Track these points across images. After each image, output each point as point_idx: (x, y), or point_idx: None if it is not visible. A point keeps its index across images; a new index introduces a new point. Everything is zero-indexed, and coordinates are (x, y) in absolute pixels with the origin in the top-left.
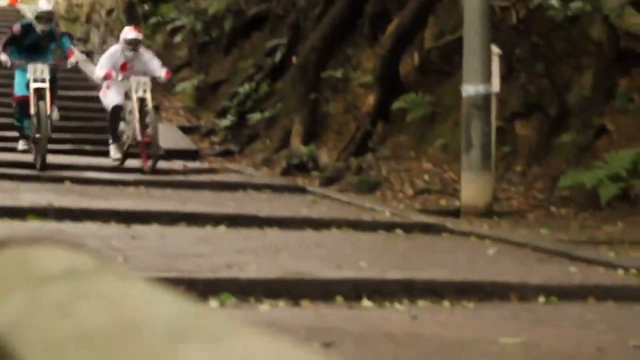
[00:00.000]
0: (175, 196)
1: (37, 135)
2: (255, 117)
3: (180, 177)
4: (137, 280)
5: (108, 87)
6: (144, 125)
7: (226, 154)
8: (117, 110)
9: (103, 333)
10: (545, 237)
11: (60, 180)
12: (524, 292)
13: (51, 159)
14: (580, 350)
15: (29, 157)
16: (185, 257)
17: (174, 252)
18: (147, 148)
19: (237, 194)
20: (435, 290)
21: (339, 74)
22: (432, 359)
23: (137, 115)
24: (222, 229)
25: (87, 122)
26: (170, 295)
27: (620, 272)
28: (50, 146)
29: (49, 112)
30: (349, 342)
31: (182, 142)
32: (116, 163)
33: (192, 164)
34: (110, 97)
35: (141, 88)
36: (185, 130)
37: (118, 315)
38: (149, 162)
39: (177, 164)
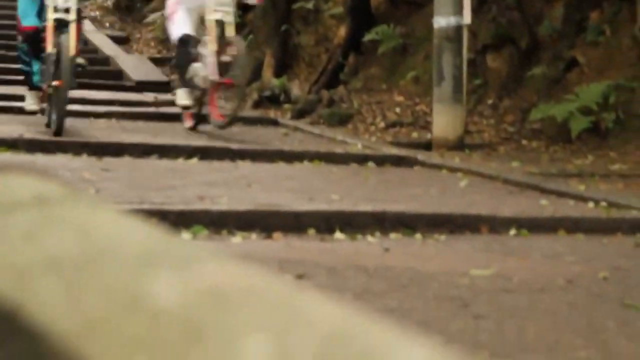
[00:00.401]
0: (147, 128)
1: (54, 84)
2: None
3: (152, 109)
4: (106, 208)
5: (175, 12)
6: (222, 60)
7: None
8: (186, 41)
9: (71, 259)
10: (516, 169)
11: (32, 112)
12: (495, 225)
13: (22, 91)
14: (550, 282)
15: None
16: (157, 190)
17: (146, 184)
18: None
19: (208, 126)
20: (407, 223)
21: (310, 5)
22: (403, 291)
23: (214, 45)
24: (194, 161)
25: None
26: (139, 224)
27: (590, 204)
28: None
29: (73, 51)
30: (321, 274)
31: (153, 73)
32: (187, 124)
33: (163, 96)
34: (176, 25)
35: (221, 8)
36: (156, 61)
37: (87, 242)
38: (228, 110)
39: (149, 96)
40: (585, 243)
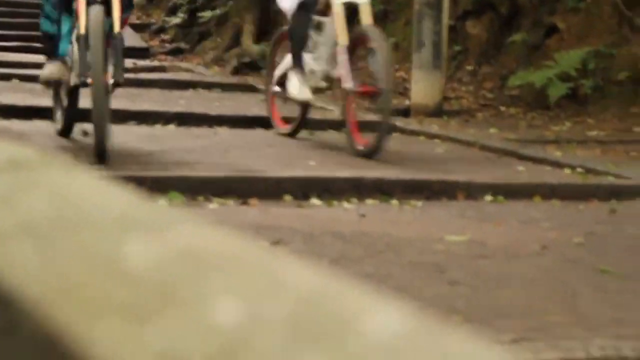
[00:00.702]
0: (125, 94)
1: (89, 81)
2: (206, 14)
3: (130, 75)
4: (82, 173)
5: None
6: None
7: (177, 52)
8: (306, 11)
9: (46, 223)
10: (494, 136)
11: (8, 77)
12: (472, 191)
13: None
14: (524, 247)
15: None
16: (134, 156)
17: (123, 150)
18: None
19: (187, 92)
20: (383, 189)
21: None
22: (379, 256)
23: (345, 38)
24: (172, 127)
25: (36, 19)
26: (115, 188)
27: (567, 170)
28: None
29: (118, 28)
30: (297, 240)
31: (132, 39)
32: (281, 128)
33: (142, 62)
34: None
35: None
36: (135, 27)
37: (62, 206)
38: (371, 135)
39: (127, 62)
40: (561, 209)
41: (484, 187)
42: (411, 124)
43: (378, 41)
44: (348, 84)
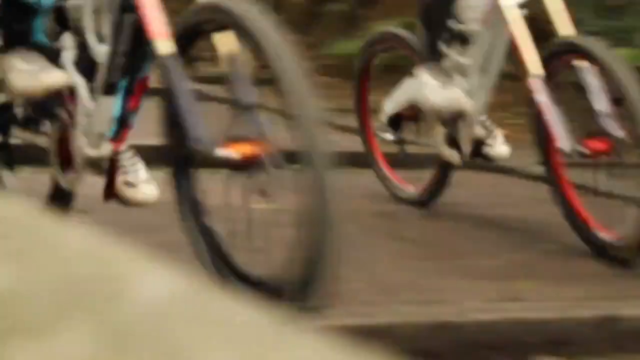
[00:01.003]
0: None
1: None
2: None
3: None
4: None
5: None
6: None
7: None
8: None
9: None
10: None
11: None
12: (281, 160)
13: None
14: None
15: None
16: None
17: None
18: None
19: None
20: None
21: None
22: (180, 225)
23: (537, 61)
24: None
25: None
26: None
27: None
28: None
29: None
30: (102, 210)
31: None
32: (409, 192)
33: None
34: None
35: None
36: None
37: None
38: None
39: None
40: (367, 178)
41: (294, 156)
42: (221, 92)
43: (609, 62)
44: (564, 142)
